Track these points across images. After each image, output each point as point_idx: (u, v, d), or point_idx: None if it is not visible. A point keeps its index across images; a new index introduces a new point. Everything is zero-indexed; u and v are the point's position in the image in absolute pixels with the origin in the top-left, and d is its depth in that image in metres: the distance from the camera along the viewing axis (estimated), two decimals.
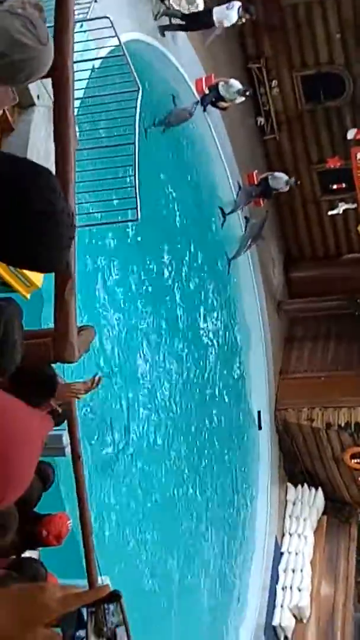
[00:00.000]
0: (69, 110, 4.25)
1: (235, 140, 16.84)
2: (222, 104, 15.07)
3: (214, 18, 13.69)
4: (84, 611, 2.93)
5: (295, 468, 19.78)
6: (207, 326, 16.18)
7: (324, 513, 19.77)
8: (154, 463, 12.93)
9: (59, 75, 4.14)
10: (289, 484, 19.63)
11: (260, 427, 18.32)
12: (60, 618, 1.48)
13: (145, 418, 12.80)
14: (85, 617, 3.05)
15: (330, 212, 19.57)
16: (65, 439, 5.97)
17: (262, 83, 18.22)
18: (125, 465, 11.99)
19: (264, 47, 17.93)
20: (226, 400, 16.67)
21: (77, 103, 8.27)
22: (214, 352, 16.30)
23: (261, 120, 18.67)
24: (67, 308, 4.26)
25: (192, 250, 15.36)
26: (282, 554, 18.41)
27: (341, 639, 18.27)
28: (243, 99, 15.23)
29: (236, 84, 14.97)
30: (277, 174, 17.79)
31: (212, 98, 14.93)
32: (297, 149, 19.17)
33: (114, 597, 2.46)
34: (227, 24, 13.87)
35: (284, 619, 17.46)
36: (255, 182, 17.74)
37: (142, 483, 12.42)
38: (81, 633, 3.97)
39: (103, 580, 7.39)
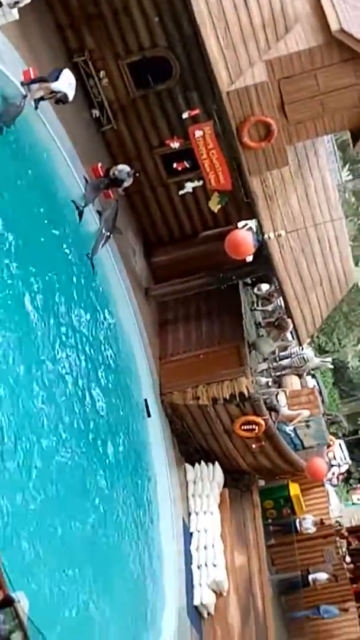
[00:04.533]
0: None
1: (73, 135, 16.65)
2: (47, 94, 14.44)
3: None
4: None
5: (190, 448, 20.01)
6: (79, 325, 15.98)
7: (225, 486, 20.12)
8: (43, 469, 12.67)
9: None
10: (187, 465, 19.84)
11: (149, 415, 18.40)
12: None
13: (30, 426, 12.56)
14: None
15: (180, 192, 19.78)
16: None
17: (90, 75, 18.10)
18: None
19: (85, 40, 17.83)
20: (112, 397, 16.60)
21: None
22: (90, 351, 16.14)
23: (96, 112, 18.57)
24: None
25: (53, 251, 15.14)
26: (191, 533, 18.62)
27: (261, 603, 18.73)
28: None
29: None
30: (119, 166, 17.83)
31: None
32: (137, 136, 19.18)
33: (4, 603, 2.40)
34: None
35: (204, 596, 17.71)
36: (101, 175, 17.70)
37: (35, 494, 12.20)
38: None
39: (18, 596, 7.21)
